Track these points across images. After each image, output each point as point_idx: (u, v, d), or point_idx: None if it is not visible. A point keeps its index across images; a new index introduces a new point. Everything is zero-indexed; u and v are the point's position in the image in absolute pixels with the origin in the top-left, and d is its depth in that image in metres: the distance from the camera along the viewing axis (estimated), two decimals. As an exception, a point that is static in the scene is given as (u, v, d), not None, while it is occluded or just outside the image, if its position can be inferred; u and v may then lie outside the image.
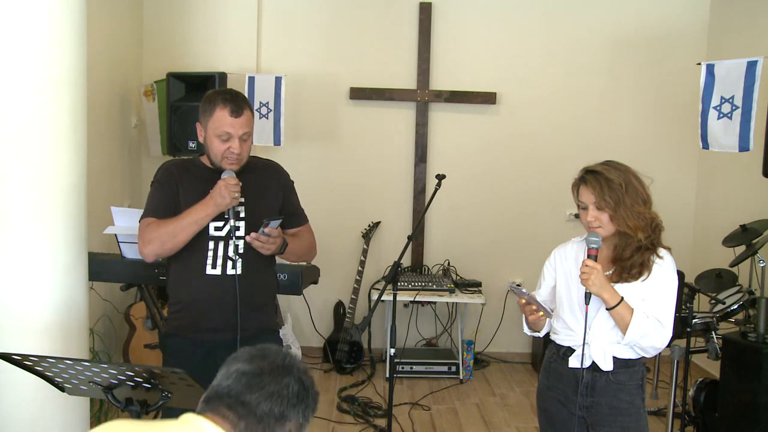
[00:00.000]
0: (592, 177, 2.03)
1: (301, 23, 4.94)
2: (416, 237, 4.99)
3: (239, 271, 2.20)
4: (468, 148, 5.02)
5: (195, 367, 2.03)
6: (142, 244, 2.20)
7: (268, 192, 2.32)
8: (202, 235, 2.19)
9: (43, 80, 2.28)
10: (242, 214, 2.23)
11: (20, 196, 2.28)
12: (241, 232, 2.22)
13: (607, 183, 2.00)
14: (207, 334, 2.22)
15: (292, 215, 2.38)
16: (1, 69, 2.23)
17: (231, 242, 2.20)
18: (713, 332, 3.39)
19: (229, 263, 2.20)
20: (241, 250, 2.21)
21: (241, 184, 2.17)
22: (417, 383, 4.54)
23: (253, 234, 2.12)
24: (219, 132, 2.15)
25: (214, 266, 2.20)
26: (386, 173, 5.05)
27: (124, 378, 1.61)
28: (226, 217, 2.18)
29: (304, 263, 3.24)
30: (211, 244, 2.21)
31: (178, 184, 2.25)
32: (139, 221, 2.26)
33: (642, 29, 4.97)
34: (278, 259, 2.43)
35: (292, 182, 2.45)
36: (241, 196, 2.20)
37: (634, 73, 5.00)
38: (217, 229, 2.21)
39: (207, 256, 2.20)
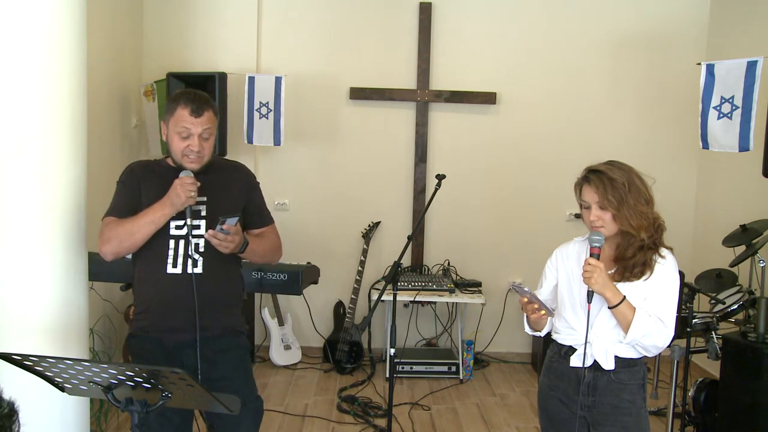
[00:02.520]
0: (596, 176, 2.03)
1: (301, 23, 4.95)
2: (416, 237, 4.99)
3: (200, 270, 2.20)
4: (468, 148, 5.02)
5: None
6: (101, 242, 2.22)
7: (231, 191, 2.33)
8: (163, 234, 2.20)
9: (43, 80, 2.28)
10: (203, 213, 2.24)
11: (20, 196, 2.28)
12: (201, 231, 2.22)
13: (610, 182, 2.00)
14: (170, 334, 2.22)
15: (256, 215, 2.39)
16: (1, 69, 2.23)
17: (191, 241, 2.20)
18: (713, 332, 3.40)
19: (190, 262, 2.19)
20: (202, 249, 2.22)
21: (198, 183, 2.17)
22: (417, 383, 4.54)
23: (210, 231, 2.12)
24: (179, 128, 2.18)
25: (174, 265, 2.20)
26: (386, 173, 5.05)
27: (124, 378, 1.61)
28: (186, 216, 2.19)
29: (304, 264, 3.25)
30: (172, 243, 2.21)
31: (140, 184, 2.27)
32: (102, 220, 2.28)
33: (642, 29, 4.98)
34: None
35: (257, 183, 2.45)
36: (203, 195, 2.21)
37: (634, 73, 5.00)
38: (177, 227, 2.22)
39: (168, 255, 2.20)
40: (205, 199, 2.23)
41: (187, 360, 2.21)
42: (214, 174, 2.29)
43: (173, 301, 2.20)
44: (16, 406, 1.27)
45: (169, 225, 2.20)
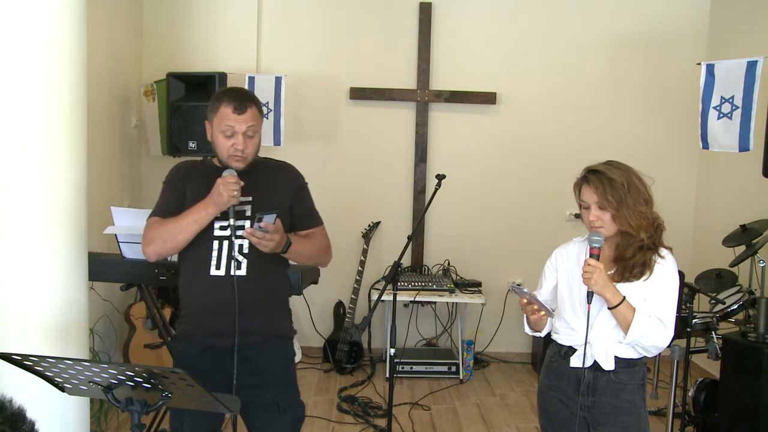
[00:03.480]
0: (595, 176, 2.03)
1: (301, 23, 4.95)
2: (416, 237, 4.99)
3: (244, 272, 2.14)
4: (468, 148, 5.02)
5: (201, 372, 1.98)
6: (144, 243, 2.18)
7: (277, 191, 2.26)
8: (207, 235, 2.15)
9: (43, 80, 2.28)
10: (248, 213, 2.18)
11: (20, 196, 2.28)
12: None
13: (609, 182, 2.00)
14: (213, 339, 2.16)
15: (304, 216, 2.32)
16: (1, 69, 2.23)
17: (234, 242, 2.15)
18: (713, 332, 3.40)
19: (233, 264, 2.13)
20: (246, 250, 2.15)
21: (241, 183, 2.11)
22: (417, 383, 4.54)
23: (248, 229, 2.06)
24: (223, 128, 2.14)
25: (218, 267, 2.14)
26: (386, 173, 5.05)
27: (124, 378, 1.61)
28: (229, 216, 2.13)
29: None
30: (216, 244, 2.16)
31: (186, 185, 2.23)
32: (146, 221, 2.24)
33: (642, 29, 4.98)
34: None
35: (306, 183, 2.39)
36: (248, 195, 2.17)
37: (634, 73, 5.00)
38: (222, 228, 2.16)
39: (211, 257, 2.15)
40: (250, 199, 2.18)
41: (231, 365, 2.14)
42: (259, 173, 2.24)
43: (216, 304, 2.14)
44: (36, 426, 1.27)
45: (213, 226, 2.15)
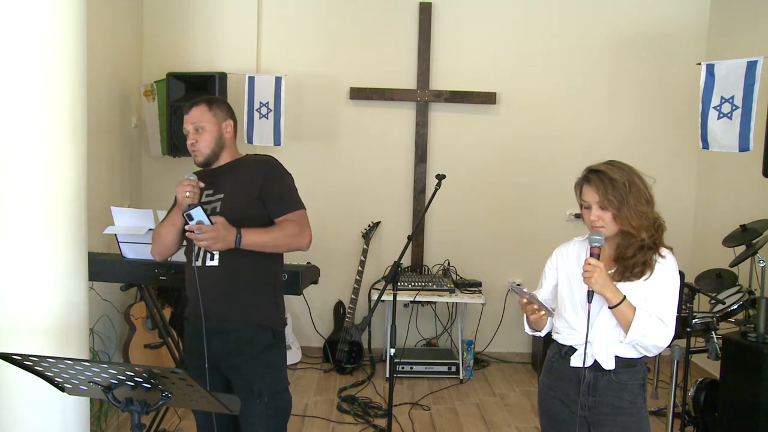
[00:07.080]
0: (596, 176, 2.02)
1: (301, 23, 4.95)
2: (416, 237, 4.99)
3: (216, 263, 2.29)
4: (468, 148, 5.03)
5: (193, 348, 2.33)
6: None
7: (244, 186, 2.33)
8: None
9: (43, 80, 2.29)
10: (218, 210, 2.31)
11: (20, 196, 2.28)
12: None
13: (610, 182, 2.00)
14: (198, 320, 2.32)
15: (271, 204, 2.34)
16: (1, 69, 2.23)
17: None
18: (713, 332, 3.40)
19: (209, 255, 2.31)
20: None
21: (201, 184, 2.28)
22: (417, 383, 4.54)
23: (186, 227, 2.18)
24: (184, 132, 2.37)
25: (197, 258, 2.33)
26: (386, 173, 5.05)
27: (124, 378, 1.61)
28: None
29: (304, 264, 3.25)
30: None
31: None
32: None
33: (642, 29, 4.98)
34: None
35: (278, 173, 2.41)
36: (220, 193, 2.33)
37: (634, 73, 5.01)
38: None
39: (194, 250, 2.34)
40: (221, 196, 2.33)
41: (213, 346, 2.31)
42: (232, 172, 2.38)
43: (196, 291, 2.30)
44: None
45: None
